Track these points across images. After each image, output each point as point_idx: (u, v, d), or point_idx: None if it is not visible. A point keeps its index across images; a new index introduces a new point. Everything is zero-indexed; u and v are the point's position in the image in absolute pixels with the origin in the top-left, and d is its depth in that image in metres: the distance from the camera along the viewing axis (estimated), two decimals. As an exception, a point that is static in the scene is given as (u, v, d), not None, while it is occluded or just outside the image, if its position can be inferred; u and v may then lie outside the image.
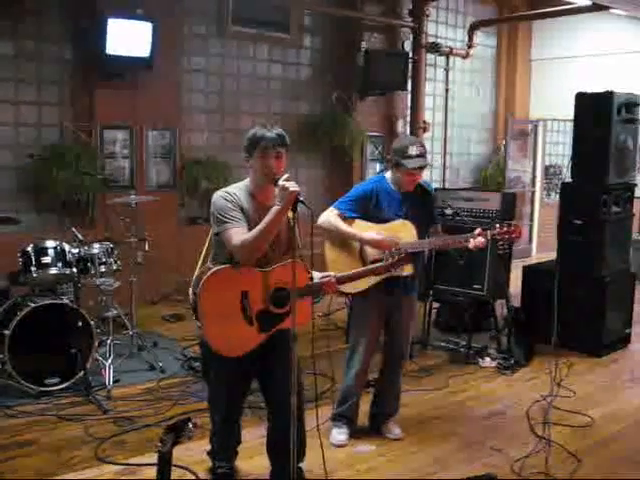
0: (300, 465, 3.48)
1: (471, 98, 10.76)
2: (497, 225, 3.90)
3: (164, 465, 2.09)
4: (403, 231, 3.90)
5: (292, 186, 3.01)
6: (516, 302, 6.28)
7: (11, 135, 6.68)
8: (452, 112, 10.39)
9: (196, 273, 3.27)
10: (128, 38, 6.52)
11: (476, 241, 3.81)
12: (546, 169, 11.13)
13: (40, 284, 5.04)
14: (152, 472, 3.60)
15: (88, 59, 6.77)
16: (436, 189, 6.70)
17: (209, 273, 3.12)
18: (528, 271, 6.34)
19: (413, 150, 3.85)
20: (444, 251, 4.06)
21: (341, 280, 3.36)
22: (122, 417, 4.42)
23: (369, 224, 3.95)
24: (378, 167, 9.19)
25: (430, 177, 10.18)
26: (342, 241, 4.01)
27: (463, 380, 5.27)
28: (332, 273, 3.35)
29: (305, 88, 8.79)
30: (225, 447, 3.62)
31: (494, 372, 5.47)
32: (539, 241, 10.96)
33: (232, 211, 3.13)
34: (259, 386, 3.53)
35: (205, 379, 3.63)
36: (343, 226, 3.95)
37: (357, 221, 3.98)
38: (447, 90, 9.98)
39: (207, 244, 3.50)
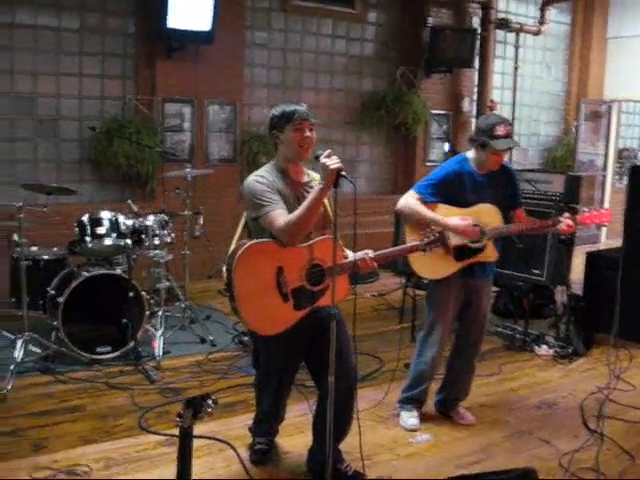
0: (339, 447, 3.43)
1: (542, 77, 10.39)
2: (585, 209, 3.76)
3: (185, 440, 2.07)
4: (489, 215, 3.76)
5: (333, 163, 2.91)
6: (578, 289, 6.04)
7: (75, 107, 6.81)
8: (521, 91, 10.05)
9: (231, 249, 3.21)
10: (190, 12, 6.51)
11: (564, 225, 3.68)
12: (619, 152, 10.66)
13: (95, 254, 5.12)
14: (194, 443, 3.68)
15: (150, 32, 6.82)
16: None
17: (244, 247, 3.06)
18: (592, 257, 6.07)
19: (501, 130, 3.66)
20: (528, 235, 3.93)
21: (378, 258, 3.25)
22: (168, 388, 4.47)
23: (451, 208, 3.79)
24: (446, 146, 8.97)
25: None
26: (423, 227, 3.77)
27: (516, 367, 5.11)
28: (369, 251, 3.24)
29: (369, 64, 8.66)
30: (269, 426, 3.64)
31: (550, 361, 5.26)
32: (609, 227, 10.50)
33: (269, 194, 3.08)
34: (309, 369, 3.46)
35: (255, 364, 3.63)
36: (425, 211, 3.76)
37: (440, 205, 3.80)
38: (516, 68, 9.64)
39: (240, 228, 3.43)
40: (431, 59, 8.48)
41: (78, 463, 3.47)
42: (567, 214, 3.70)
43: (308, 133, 3.14)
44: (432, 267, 3.86)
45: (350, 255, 3.25)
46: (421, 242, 3.41)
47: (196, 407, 2.05)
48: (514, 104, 9.71)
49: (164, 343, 5.05)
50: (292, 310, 3.12)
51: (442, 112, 8.88)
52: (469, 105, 9.01)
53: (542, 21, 9.63)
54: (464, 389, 4.14)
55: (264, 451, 3.59)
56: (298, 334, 3.17)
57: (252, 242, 3.09)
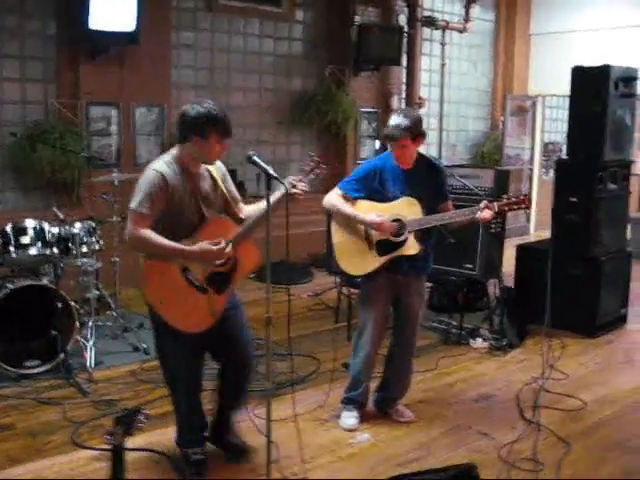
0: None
1: (468, 74, 10.57)
2: (504, 196, 3.79)
3: (117, 458, 1.99)
4: (409, 208, 3.77)
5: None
6: (510, 282, 6.16)
7: (-6, 112, 6.54)
8: (448, 88, 10.18)
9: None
10: (113, 12, 6.32)
11: (483, 213, 3.69)
12: (545, 146, 10.94)
13: (19, 264, 4.92)
14: (128, 457, 3.55)
15: (72, 34, 6.57)
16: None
17: (142, 266, 3.19)
18: (522, 250, 6.20)
19: (393, 120, 3.74)
20: (455, 228, 3.93)
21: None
22: (102, 400, 4.33)
23: (373, 204, 3.82)
24: (377, 144, 9.03)
25: (426, 152, 10.01)
26: (347, 223, 3.87)
27: (453, 361, 5.16)
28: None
29: (297, 63, 8.61)
30: (195, 430, 3.53)
31: (486, 353, 5.35)
32: (537, 219, 10.79)
33: (154, 197, 3.09)
34: (211, 354, 3.52)
35: (160, 358, 3.49)
36: (344, 207, 3.83)
37: (360, 201, 3.85)
38: (443, 65, 9.77)
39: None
40: (359, 57, 8.49)
41: (9, 483, 3.33)
42: (484, 202, 3.72)
43: (226, 145, 3.22)
44: (357, 263, 3.89)
45: (251, 210, 3.36)
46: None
47: (127, 423, 1.97)
48: (442, 101, 9.84)
49: (96, 354, 4.89)
50: (216, 296, 3.24)
51: (372, 110, 8.92)
52: (398, 102, 9.07)
53: (467, 18, 9.79)
54: (401, 388, 4.15)
55: (201, 461, 3.48)
56: None
57: (146, 263, 3.19)
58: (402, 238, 3.76)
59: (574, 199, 5.68)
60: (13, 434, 3.89)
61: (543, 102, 10.72)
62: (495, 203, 3.70)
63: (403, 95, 9.21)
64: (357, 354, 4.02)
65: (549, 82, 10.10)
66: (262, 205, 3.16)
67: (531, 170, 10.82)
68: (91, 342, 4.91)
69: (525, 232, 10.58)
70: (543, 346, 4.97)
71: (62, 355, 4.68)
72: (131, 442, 3.61)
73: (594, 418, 4.21)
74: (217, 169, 3.35)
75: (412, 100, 9.08)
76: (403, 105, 9.19)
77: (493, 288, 5.98)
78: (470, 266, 5.61)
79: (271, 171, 2.96)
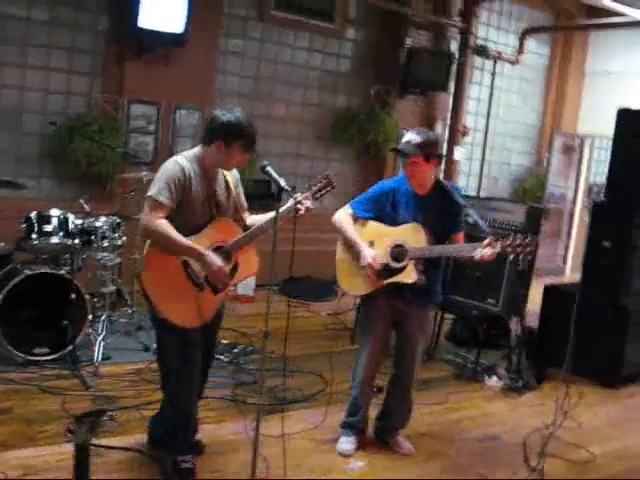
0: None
1: (517, 106, 10.42)
2: (510, 236, 3.54)
3: (82, 456, 1.94)
4: (412, 235, 3.66)
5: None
6: (535, 321, 5.98)
7: (39, 101, 6.63)
8: (495, 119, 10.04)
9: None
10: (162, 12, 6.39)
11: (483, 252, 3.48)
12: (590, 188, 10.70)
13: (40, 252, 4.96)
14: (118, 456, 3.54)
15: (122, 31, 6.66)
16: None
17: (145, 257, 3.23)
18: (549, 290, 6.03)
19: (406, 136, 3.66)
20: (460, 261, 3.79)
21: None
22: (103, 395, 4.31)
23: (380, 226, 3.75)
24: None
25: (466, 183, 9.90)
26: (349, 243, 3.81)
27: (464, 397, 5.02)
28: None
29: (344, 80, 8.58)
30: (189, 434, 3.49)
31: (499, 393, 5.19)
32: (574, 261, 10.54)
33: (174, 187, 3.12)
34: None
35: (160, 355, 3.46)
36: (350, 230, 3.78)
37: (370, 223, 3.78)
38: (491, 96, 9.63)
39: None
40: (406, 80, 8.43)
41: (4, 468, 3.31)
42: (489, 239, 3.51)
43: (248, 157, 3.30)
44: (355, 283, 3.82)
45: (257, 219, 3.39)
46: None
47: (90, 422, 1.92)
48: (487, 132, 9.70)
49: (105, 348, 4.89)
50: (213, 295, 3.28)
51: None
52: (442, 129, 8.99)
53: (520, 51, 9.65)
54: (400, 418, 4.04)
55: (190, 471, 3.42)
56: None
57: (150, 249, 3.22)
58: (401, 265, 3.67)
59: (608, 244, 5.50)
60: (9, 418, 3.90)
61: (592, 142, 10.50)
62: (499, 243, 3.49)
63: (448, 122, 9.11)
64: (355, 378, 3.96)
65: (600, 123, 9.83)
66: (267, 216, 3.22)
67: (572, 210, 10.59)
68: (101, 336, 4.91)
69: (560, 273, 10.34)
70: (559, 392, 4.80)
71: (70, 346, 4.70)
72: (124, 442, 3.68)
73: (601, 473, 4.04)
74: (231, 175, 3.39)
75: (456, 128, 8.99)
76: (447, 132, 9.11)
77: (515, 326, 5.82)
78: (492, 301, 5.46)
79: (283, 183, 2.95)
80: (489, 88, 9.66)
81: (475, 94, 9.71)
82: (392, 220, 3.73)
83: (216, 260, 3.18)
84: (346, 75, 8.59)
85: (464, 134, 9.08)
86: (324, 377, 4.95)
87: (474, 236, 3.75)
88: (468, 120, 9.38)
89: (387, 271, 3.70)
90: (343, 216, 3.82)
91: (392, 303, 3.77)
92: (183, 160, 3.22)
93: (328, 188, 3.30)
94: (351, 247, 3.80)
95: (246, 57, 7.81)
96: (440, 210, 3.71)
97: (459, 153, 9.06)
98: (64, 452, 3.53)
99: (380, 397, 4.18)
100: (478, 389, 5.22)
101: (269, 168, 3.05)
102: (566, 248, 10.72)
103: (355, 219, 3.80)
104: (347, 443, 3.92)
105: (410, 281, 3.66)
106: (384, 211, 3.75)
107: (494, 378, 5.37)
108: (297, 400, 4.56)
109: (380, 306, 3.80)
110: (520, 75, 10.25)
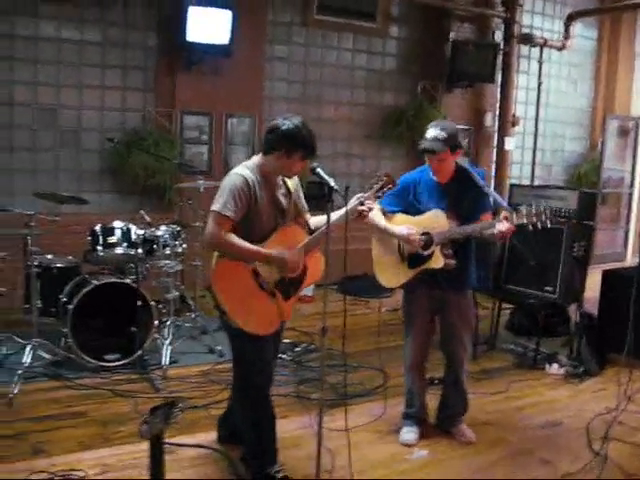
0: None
1: (567, 92, 10.28)
2: (523, 208, 3.60)
3: (156, 447, 2.09)
4: (435, 221, 3.74)
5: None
6: (595, 308, 5.94)
7: (96, 118, 6.92)
8: (546, 107, 9.94)
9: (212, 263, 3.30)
10: (208, 26, 6.60)
11: (500, 226, 3.55)
12: (648, 170, 10.47)
13: (105, 262, 5.20)
14: (190, 452, 3.73)
15: (171, 46, 6.93)
16: (512, 185, 6.48)
17: (214, 269, 3.27)
18: (608, 275, 5.96)
19: (430, 132, 3.69)
20: (485, 240, 3.82)
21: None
22: (172, 397, 4.49)
23: (407, 217, 3.85)
24: (466, 161, 8.92)
25: (519, 172, 9.83)
26: (383, 236, 3.91)
27: (525, 385, 5.03)
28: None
29: (390, 78, 8.65)
30: (274, 444, 3.47)
31: (560, 380, 5.18)
32: (635, 245, 10.34)
33: (238, 199, 3.16)
34: None
35: (236, 369, 3.48)
36: (379, 220, 3.86)
37: (397, 215, 3.89)
38: (540, 83, 9.53)
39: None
40: (453, 74, 8.45)
41: (74, 468, 3.49)
42: (504, 213, 3.58)
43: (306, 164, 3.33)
44: (391, 275, 3.92)
45: (319, 221, 3.42)
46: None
47: (163, 414, 2.06)
48: (537, 120, 9.60)
49: (172, 353, 5.09)
50: (284, 301, 3.34)
51: (464, 127, 8.82)
52: (491, 120, 8.95)
53: (567, 36, 9.51)
54: (457, 406, 4.10)
55: (289, 478, 3.44)
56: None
57: (219, 261, 3.25)
58: (429, 251, 3.74)
59: (665, 225, 5.43)
60: (85, 421, 4.12)
61: (647, 124, 10.29)
62: (514, 215, 3.56)
63: (497, 113, 9.07)
64: (405, 368, 4.08)
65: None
66: (332, 217, 3.19)
67: (630, 194, 10.39)
68: (168, 341, 5.11)
69: (621, 258, 10.16)
70: (621, 376, 4.77)
71: (139, 351, 4.91)
72: (195, 439, 3.85)
73: (667, 456, 4.00)
74: (291, 180, 3.44)
75: (506, 118, 8.94)
76: (497, 123, 9.07)
77: (575, 313, 5.79)
78: (550, 289, 5.45)
79: (332, 183, 3.03)
80: (537, 76, 9.56)
81: (523, 83, 9.62)
82: (417, 211, 3.82)
83: (284, 252, 3.23)
84: (392, 73, 8.66)
85: (514, 124, 9.02)
86: (385, 371, 5.04)
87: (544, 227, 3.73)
88: (518, 109, 9.30)
89: (419, 259, 3.78)
90: (374, 212, 3.81)
91: (430, 293, 3.86)
92: (245, 171, 3.25)
93: (390, 186, 3.34)
94: (384, 240, 3.89)
95: (292, 62, 7.98)
96: (462, 194, 3.77)
97: (510, 143, 9.01)
98: (138, 451, 3.72)
99: (439, 388, 4.26)
100: (539, 377, 5.21)
101: (319, 170, 3.12)
102: (626, 233, 10.53)
103: (384, 214, 3.90)
104: (409, 433, 4.01)
105: (439, 266, 3.74)
106: (409, 203, 3.84)
107: (555, 365, 5.36)
108: (359, 394, 4.67)
109: (419, 296, 3.90)
110: (568, 60, 10.12)
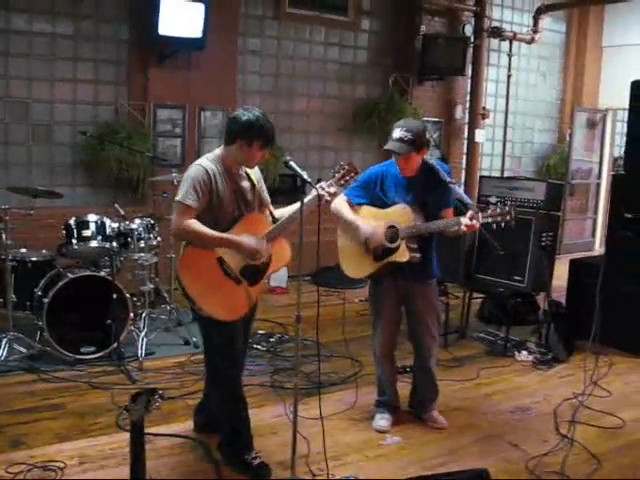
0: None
1: (536, 85, 10.45)
2: (490, 206, 3.79)
3: (137, 433, 2.14)
4: (402, 215, 3.84)
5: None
6: (563, 297, 6.10)
7: (69, 112, 6.90)
8: (515, 99, 10.10)
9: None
10: (181, 19, 6.60)
11: (466, 224, 3.68)
12: (614, 161, 10.69)
13: (80, 256, 5.22)
14: (166, 442, 3.78)
15: (143, 39, 6.90)
16: (482, 177, 6.60)
17: (180, 256, 3.40)
18: (574, 265, 6.13)
19: (396, 133, 3.77)
20: (452, 236, 3.95)
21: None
22: (149, 388, 4.54)
23: (374, 210, 3.93)
24: (437, 154, 9.03)
25: (490, 164, 9.98)
26: (348, 228, 3.97)
27: (495, 373, 5.16)
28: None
29: (362, 71, 8.73)
30: (246, 428, 3.58)
31: (529, 367, 5.32)
32: (603, 235, 10.55)
33: (199, 188, 3.27)
34: None
35: (207, 356, 3.61)
36: (346, 212, 3.95)
37: (363, 207, 3.97)
38: (510, 76, 9.66)
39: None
40: (424, 67, 8.55)
41: (53, 459, 3.54)
42: (470, 212, 3.71)
43: (268, 154, 3.44)
44: (356, 266, 4.02)
45: (285, 212, 3.51)
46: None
47: (144, 401, 2.12)
48: (507, 112, 9.75)
49: (148, 344, 5.13)
50: (249, 288, 3.42)
51: (434, 119, 8.94)
52: (461, 113, 9.08)
53: (536, 29, 9.66)
54: (427, 391, 4.21)
55: (264, 465, 3.51)
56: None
57: (185, 250, 3.37)
58: (395, 244, 3.84)
59: (629, 215, 5.59)
60: (63, 413, 4.15)
61: (614, 116, 10.49)
62: (480, 214, 3.70)
63: (467, 105, 9.19)
64: (374, 357, 4.19)
65: (621, 95, 9.82)
66: (294, 207, 3.35)
67: (598, 185, 10.60)
68: (143, 333, 5.14)
69: (589, 247, 10.38)
70: (588, 362, 4.93)
71: (115, 344, 4.95)
72: (174, 428, 3.91)
73: (631, 438, 4.14)
74: (253, 171, 3.55)
75: (476, 111, 9.07)
76: (467, 116, 9.20)
77: (543, 302, 5.94)
78: (519, 278, 5.57)
79: (305, 176, 3.11)
80: (507, 69, 9.70)
81: (493, 76, 9.78)
82: (383, 203, 3.91)
83: (251, 240, 3.32)
84: (364, 66, 8.74)
85: (484, 116, 9.16)
86: (358, 360, 5.14)
87: (463, 212, 3.86)
88: (488, 102, 9.46)
89: (384, 252, 3.88)
90: (340, 203, 3.96)
91: (395, 283, 3.96)
92: (206, 162, 3.36)
93: (352, 174, 3.46)
94: (349, 231, 3.96)
95: (265, 55, 8.01)
96: (428, 189, 3.87)
97: (480, 135, 9.15)
98: (116, 441, 3.80)
99: (410, 376, 4.37)
100: (509, 364, 5.35)
101: (292, 163, 3.20)
102: (594, 222, 10.75)
103: (351, 205, 3.98)
104: (382, 420, 4.11)
105: (404, 259, 3.84)
106: (375, 195, 3.93)
107: (524, 353, 5.51)
108: (333, 383, 4.76)
109: (385, 287, 3.99)
110: (537, 53, 10.28)
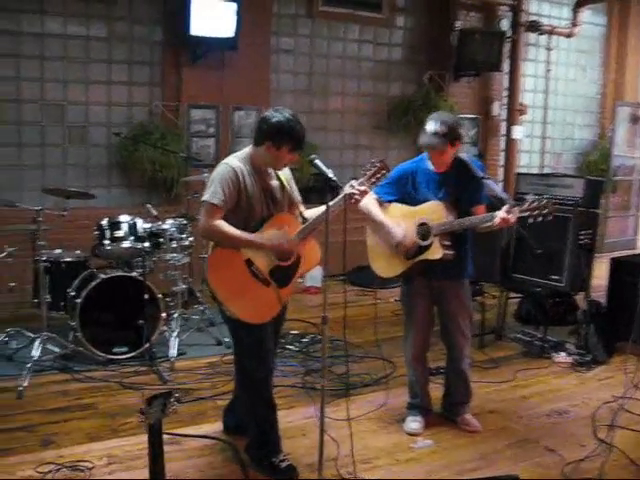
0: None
1: (576, 80, 10.21)
2: (527, 200, 3.61)
3: (155, 436, 2.12)
4: (434, 212, 3.74)
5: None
6: (603, 296, 5.92)
7: (103, 114, 6.96)
8: (554, 94, 9.88)
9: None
10: (213, 19, 6.61)
11: (501, 215, 3.54)
12: (659, 157, 10.37)
13: (112, 257, 5.24)
14: (195, 443, 3.76)
15: (176, 40, 6.93)
16: (518, 174, 6.45)
17: (208, 257, 3.34)
18: (616, 263, 5.93)
19: (430, 126, 3.68)
20: (485, 232, 3.83)
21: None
22: (180, 388, 4.53)
23: (404, 207, 3.84)
24: (474, 151, 8.89)
25: (528, 161, 9.79)
26: (378, 228, 3.89)
27: (532, 374, 5.03)
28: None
29: (397, 69, 8.64)
30: (277, 434, 3.53)
31: (568, 368, 5.17)
32: (647, 234, 10.29)
33: (228, 189, 3.21)
34: None
35: (236, 356, 3.58)
36: (374, 212, 3.85)
37: (393, 205, 3.89)
38: (548, 71, 9.46)
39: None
40: (459, 63, 8.42)
41: (82, 459, 3.55)
42: (506, 206, 3.57)
43: (296, 157, 3.36)
44: (386, 266, 3.93)
45: (315, 212, 3.41)
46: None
47: (160, 404, 2.09)
48: (546, 108, 9.54)
49: (180, 345, 5.13)
50: (278, 289, 3.35)
51: (471, 116, 8.79)
52: (498, 109, 8.92)
53: (575, 23, 9.44)
54: (459, 394, 4.12)
55: (292, 467, 3.46)
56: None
57: (213, 250, 3.31)
58: (427, 242, 3.74)
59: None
60: (93, 413, 4.18)
61: (658, 110, 10.19)
62: (516, 208, 3.55)
63: (504, 102, 9.02)
64: (405, 358, 4.12)
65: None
66: (323, 208, 3.23)
67: (640, 181, 10.33)
68: (175, 333, 5.15)
69: (632, 246, 10.09)
70: (629, 364, 4.77)
71: (147, 344, 4.95)
72: (202, 429, 3.89)
73: (674, 443, 3.99)
74: (283, 171, 3.48)
75: (513, 107, 8.90)
76: (504, 112, 9.03)
77: (582, 301, 5.77)
78: (557, 277, 5.43)
79: (330, 174, 3.05)
80: (545, 64, 9.49)
81: (531, 71, 9.58)
82: (414, 200, 3.82)
83: (276, 238, 3.26)
84: (398, 63, 8.65)
85: (522, 112, 8.98)
86: (391, 361, 5.06)
87: (498, 207, 3.74)
88: (526, 98, 9.26)
89: (415, 250, 3.79)
90: (369, 201, 3.84)
91: (428, 282, 3.87)
92: (234, 161, 3.31)
93: (383, 172, 3.33)
94: (380, 230, 3.87)
95: (298, 54, 7.99)
96: (460, 185, 3.77)
97: (518, 132, 8.97)
98: (144, 442, 3.69)
99: (442, 377, 4.28)
100: (546, 366, 5.21)
101: (317, 161, 3.14)
102: (637, 220, 10.45)
103: (380, 203, 3.89)
104: (413, 422, 4.03)
105: (437, 257, 3.74)
106: (406, 192, 3.84)
107: (562, 354, 5.36)
108: (365, 384, 4.69)
109: (417, 287, 3.91)
110: (576, 47, 10.05)
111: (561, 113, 10.13)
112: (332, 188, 3.16)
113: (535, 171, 9.42)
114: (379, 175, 3.30)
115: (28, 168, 6.70)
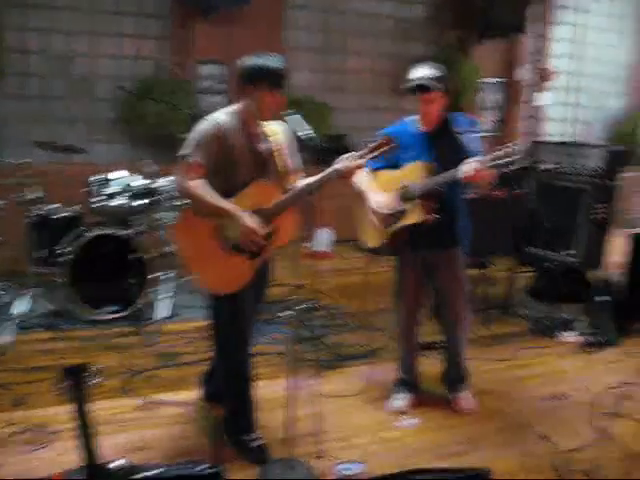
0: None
1: (610, 45, 9.70)
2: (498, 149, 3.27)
3: (81, 410, 1.96)
4: (415, 173, 3.47)
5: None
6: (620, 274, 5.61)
7: (110, 67, 6.77)
8: (586, 60, 9.41)
9: None
10: (225, -29, 6.34)
11: (464, 169, 3.24)
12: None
13: (105, 213, 5.07)
14: (170, 410, 3.62)
15: (187, -7, 6.68)
16: (534, 142, 6.12)
17: (178, 219, 3.19)
18: (634, 240, 5.61)
19: (419, 71, 3.40)
20: (480, 196, 3.55)
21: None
22: (165, 352, 4.40)
23: (390, 172, 3.58)
24: (497, 115, 8.54)
25: (556, 129, 9.38)
26: (361, 196, 3.65)
27: (534, 353, 4.76)
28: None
29: (418, 28, 8.27)
30: (251, 413, 3.37)
31: (574, 348, 4.90)
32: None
33: (208, 149, 2.96)
34: None
35: (210, 321, 3.35)
36: (357, 181, 3.57)
37: (381, 172, 3.62)
38: (577, 35, 8.98)
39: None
40: (485, 24, 8.01)
41: (50, 421, 3.44)
42: (468, 160, 3.28)
43: (280, 98, 3.03)
44: (372, 235, 3.69)
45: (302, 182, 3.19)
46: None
47: (78, 377, 1.93)
48: (577, 74, 9.09)
49: (174, 307, 5.01)
50: (247, 260, 3.10)
51: (495, 80, 8.41)
52: (525, 74, 8.51)
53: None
54: (452, 372, 3.92)
55: (264, 447, 3.30)
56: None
57: (185, 212, 3.11)
58: (402, 207, 3.50)
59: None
60: (71, 375, 4.04)
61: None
62: (483, 158, 3.25)
63: (531, 66, 8.61)
64: (396, 333, 3.93)
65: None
66: (314, 179, 3.06)
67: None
68: (164, 294, 5.00)
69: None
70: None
71: (136, 304, 4.82)
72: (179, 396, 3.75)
73: (677, 434, 3.73)
74: (282, 133, 3.21)
75: (540, 72, 8.49)
76: (531, 77, 8.63)
77: (597, 278, 5.47)
78: (571, 252, 5.15)
79: (300, 133, 2.84)
80: (575, 27, 9.02)
81: (562, 35, 9.10)
82: (401, 163, 3.55)
83: (249, 221, 3.01)
84: (420, 22, 8.27)
85: (549, 78, 8.56)
86: (386, 332, 4.84)
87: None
88: (556, 62, 8.82)
89: (395, 216, 3.55)
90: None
91: (417, 254, 3.65)
92: (220, 115, 3.06)
93: (384, 148, 3.06)
94: (364, 200, 3.65)
95: (314, 9, 7.67)
96: (450, 144, 3.48)
97: (545, 98, 8.57)
98: (118, 406, 3.68)
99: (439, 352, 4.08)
100: (551, 345, 4.93)
101: (291, 117, 2.91)
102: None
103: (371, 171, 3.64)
104: (398, 399, 3.84)
105: (413, 221, 3.48)
106: (393, 157, 3.51)
107: (572, 333, 5.09)
108: (354, 356, 4.50)
109: (406, 258, 3.69)
110: (609, 12, 9.52)
111: (592, 80, 9.66)
112: (314, 148, 2.92)
113: (566, 140, 9.01)
114: (383, 149, 3.03)
115: (32, 121, 6.54)
